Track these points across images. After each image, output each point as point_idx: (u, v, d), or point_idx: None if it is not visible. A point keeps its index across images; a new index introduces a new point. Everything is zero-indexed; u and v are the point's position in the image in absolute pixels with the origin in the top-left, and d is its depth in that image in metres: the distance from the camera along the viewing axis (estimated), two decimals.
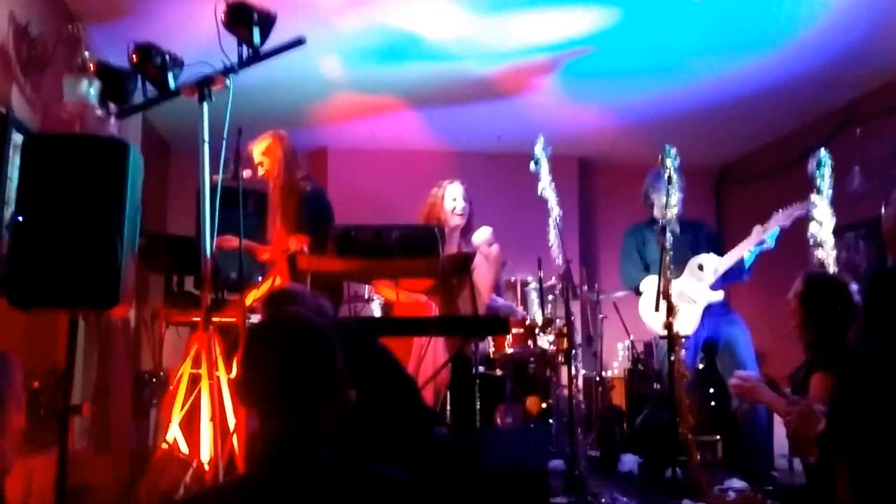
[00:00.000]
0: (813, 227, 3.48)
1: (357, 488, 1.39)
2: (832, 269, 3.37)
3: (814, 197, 3.49)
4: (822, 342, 2.71)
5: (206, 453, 2.74)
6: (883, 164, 4.87)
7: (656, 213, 4.12)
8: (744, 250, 4.01)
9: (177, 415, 2.86)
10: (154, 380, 3.77)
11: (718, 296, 4.13)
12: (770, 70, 4.83)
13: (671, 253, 4.01)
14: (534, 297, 4.70)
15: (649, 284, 4.18)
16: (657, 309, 3.36)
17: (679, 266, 4.11)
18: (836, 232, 3.63)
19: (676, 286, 4.06)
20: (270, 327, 1.54)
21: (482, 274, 4.07)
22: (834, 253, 3.41)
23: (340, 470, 1.42)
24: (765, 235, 3.94)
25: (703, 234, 4.34)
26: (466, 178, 4.42)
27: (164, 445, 2.81)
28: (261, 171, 3.99)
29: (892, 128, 4.85)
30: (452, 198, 4.18)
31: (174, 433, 2.85)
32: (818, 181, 3.49)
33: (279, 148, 4.00)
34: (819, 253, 3.43)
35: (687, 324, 4.07)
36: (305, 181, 4.03)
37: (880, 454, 1.84)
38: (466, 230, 4.21)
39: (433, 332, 3.15)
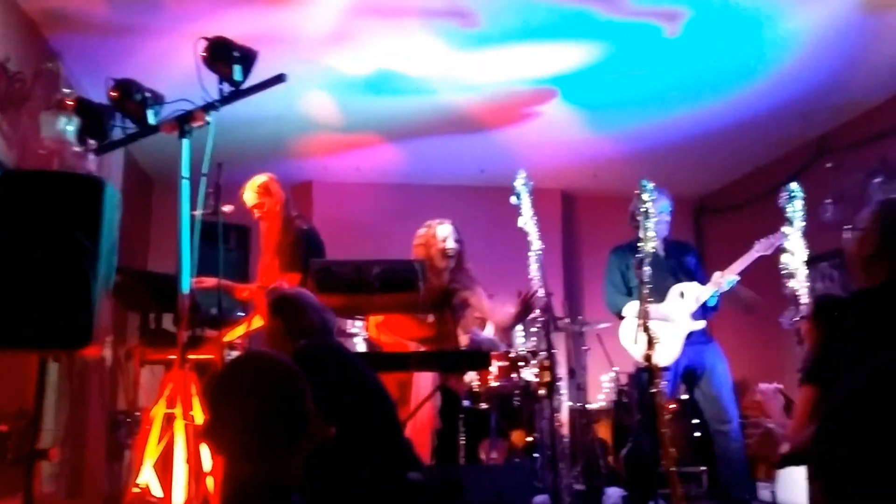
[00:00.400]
0: (785, 258, 3.51)
1: None
2: (805, 299, 3.40)
3: (786, 228, 3.53)
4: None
5: (179, 496, 2.68)
6: (855, 194, 4.94)
7: (641, 234, 4.16)
8: (712, 290, 4.08)
9: (150, 457, 2.80)
10: (129, 420, 3.69)
11: (700, 324, 4.15)
12: (745, 104, 4.92)
13: (652, 276, 4.06)
14: (517, 329, 4.69)
15: (631, 309, 4.19)
16: (636, 341, 3.36)
17: (662, 290, 4.14)
18: (811, 262, 3.66)
19: (658, 312, 4.08)
20: (238, 368, 1.52)
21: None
22: (807, 283, 3.44)
23: None
24: (722, 280, 4.03)
25: (686, 259, 4.37)
26: (451, 212, 4.42)
27: (136, 489, 2.74)
28: (257, 213, 4.00)
29: (864, 159, 4.93)
30: (443, 238, 4.16)
31: (147, 475, 2.79)
32: (790, 213, 3.54)
33: (278, 187, 4.03)
34: (792, 283, 3.45)
35: (668, 352, 4.06)
36: (300, 220, 4.06)
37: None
38: (458, 269, 4.18)
39: (413, 368, 3.13)
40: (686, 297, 4.17)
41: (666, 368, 3.97)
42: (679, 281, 4.22)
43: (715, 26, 3.98)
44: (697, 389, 4.24)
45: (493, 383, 4.36)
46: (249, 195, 4.01)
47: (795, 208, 3.59)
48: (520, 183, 3.87)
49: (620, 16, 3.88)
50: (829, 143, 5.40)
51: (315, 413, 1.42)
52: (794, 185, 3.62)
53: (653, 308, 4.08)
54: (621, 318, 4.34)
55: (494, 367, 3.98)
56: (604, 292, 4.50)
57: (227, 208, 3.44)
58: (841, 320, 2.16)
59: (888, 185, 4.70)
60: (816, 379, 2.10)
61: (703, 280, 4.21)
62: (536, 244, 3.79)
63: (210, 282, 3.29)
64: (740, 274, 4.10)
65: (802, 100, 4.88)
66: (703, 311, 4.20)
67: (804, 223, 3.58)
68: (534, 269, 3.77)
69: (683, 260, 4.35)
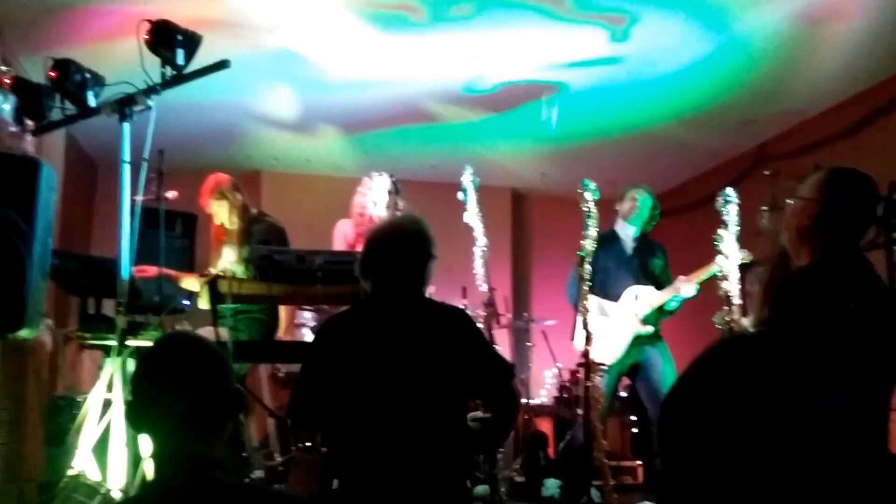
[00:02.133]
0: (719, 260, 3.63)
1: None
2: (736, 300, 3.52)
3: (721, 231, 3.65)
4: None
5: (117, 480, 2.67)
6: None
7: (616, 225, 4.25)
8: (669, 295, 4.14)
9: (87, 441, 2.78)
10: (70, 405, 3.63)
11: (647, 329, 4.19)
12: (689, 107, 5.05)
13: (615, 272, 4.14)
14: None
15: (603, 308, 4.28)
16: (571, 338, 3.44)
17: (620, 288, 4.20)
18: (746, 266, 3.79)
19: (608, 311, 4.16)
20: (163, 348, 1.53)
21: None
22: (738, 286, 3.57)
23: (236, 492, 1.42)
24: (681, 287, 4.09)
25: (652, 262, 4.41)
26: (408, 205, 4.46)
27: (72, 471, 2.72)
28: (228, 218, 3.98)
29: (800, 167, 5.10)
30: (381, 190, 4.21)
31: (84, 459, 2.76)
32: (725, 216, 3.65)
33: (231, 194, 4.01)
34: (724, 285, 3.57)
35: (612, 351, 4.15)
36: (263, 214, 4.12)
37: None
38: (394, 207, 4.24)
39: None
40: (639, 300, 4.21)
41: (603, 366, 4.05)
42: (639, 282, 4.27)
43: (659, 30, 4.09)
44: (641, 386, 4.33)
45: None
46: (209, 202, 4.01)
47: (730, 212, 3.71)
48: (467, 179, 3.92)
49: (569, 15, 3.95)
50: (768, 151, 5.58)
51: (237, 392, 1.45)
52: (729, 190, 3.75)
53: (604, 305, 4.19)
54: (577, 310, 4.39)
55: None
56: (567, 283, 4.54)
57: (170, 195, 3.42)
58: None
59: None
60: None
61: (667, 284, 4.26)
62: (481, 240, 3.84)
63: (152, 271, 3.26)
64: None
65: (744, 107, 5.04)
66: (659, 313, 4.25)
67: (738, 228, 3.70)
68: (478, 265, 3.83)
69: (649, 262, 4.39)
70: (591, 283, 4.30)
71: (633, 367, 4.27)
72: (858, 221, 2.13)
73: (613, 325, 4.17)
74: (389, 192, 4.21)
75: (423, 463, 2.12)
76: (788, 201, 2.19)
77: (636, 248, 4.36)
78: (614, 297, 4.20)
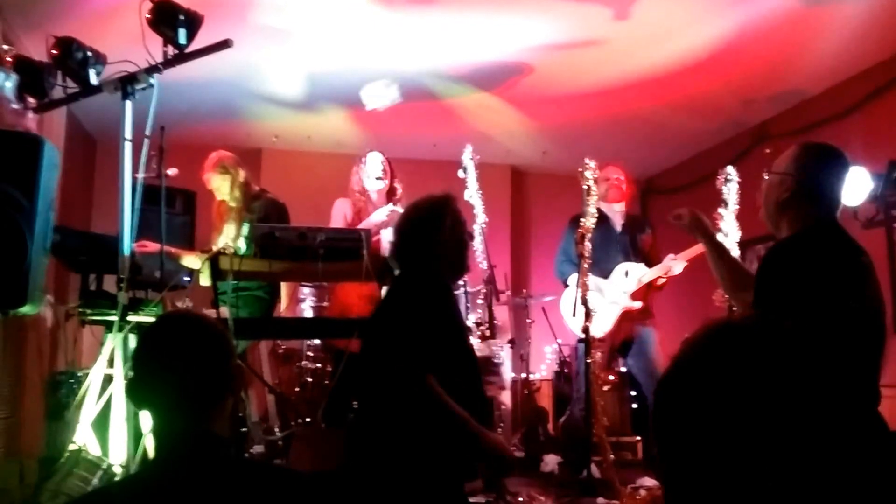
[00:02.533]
0: (719, 238, 3.65)
1: (262, 487, 1.39)
2: None
3: (721, 210, 3.66)
4: None
5: (118, 456, 2.70)
6: None
7: (601, 205, 4.28)
8: (659, 272, 4.18)
9: (88, 416, 2.81)
10: (69, 381, 3.67)
11: (636, 305, 4.26)
12: (691, 88, 5.03)
13: (603, 249, 4.17)
14: (461, 301, 4.77)
15: (574, 280, 4.30)
16: (574, 314, 3.47)
17: (610, 265, 4.24)
18: (748, 243, 3.82)
19: (598, 286, 4.19)
20: (163, 325, 1.55)
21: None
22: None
23: (238, 468, 1.44)
24: (672, 264, 4.14)
25: (641, 237, 4.45)
26: (403, 184, 4.48)
27: (73, 446, 2.75)
28: (229, 193, 3.99)
29: None
30: (374, 166, 4.25)
31: (85, 435, 2.80)
32: (726, 195, 3.67)
33: (234, 169, 4.02)
34: None
35: (601, 326, 4.19)
36: (263, 191, 4.14)
37: None
38: (392, 193, 4.29)
39: (357, 335, 3.17)
40: (629, 277, 4.27)
41: (601, 340, 4.10)
42: (629, 259, 4.31)
43: (660, 10, 4.06)
44: (634, 362, 4.39)
45: None
46: (212, 176, 4.02)
47: (731, 191, 3.73)
48: (467, 157, 3.94)
49: None
50: (769, 129, 5.57)
51: (237, 368, 1.46)
52: (730, 169, 3.76)
53: (594, 281, 4.23)
54: (566, 286, 4.44)
55: None
56: (555, 260, 4.58)
57: (171, 171, 3.42)
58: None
59: None
60: None
61: (652, 259, 4.31)
62: (481, 217, 3.88)
63: (153, 247, 3.27)
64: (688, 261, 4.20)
65: (744, 87, 5.02)
66: (648, 289, 4.30)
67: (738, 206, 3.72)
68: (477, 242, 3.85)
69: (638, 238, 4.43)
70: (579, 261, 4.36)
71: (625, 344, 4.32)
72: (835, 192, 2.15)
73: (603, 301, 4.21)
74: (384, 170, 4.24)
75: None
76: (765, 176, 2.22)
77: (625, 224, 4.40)
78: (605, 274, 4.24)
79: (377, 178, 4.24)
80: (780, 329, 0.88)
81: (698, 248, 3.99)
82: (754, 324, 0.90)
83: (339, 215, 4.26)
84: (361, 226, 3.92)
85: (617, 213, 4.39)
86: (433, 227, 2.31)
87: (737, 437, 0.82)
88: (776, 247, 2.17)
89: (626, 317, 4.27)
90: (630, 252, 4.36)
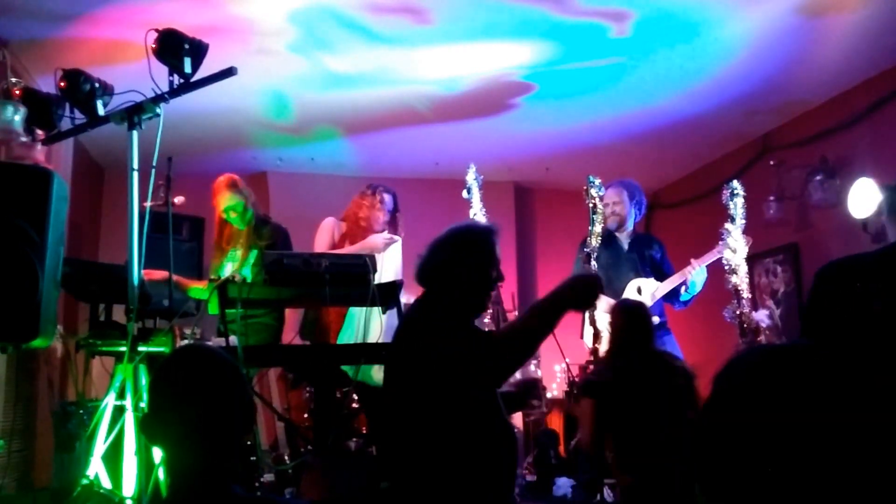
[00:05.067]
0: (727, 254, 3.64)
1: None
2: (745, 293, 3.53)
3: (728, 225, 3.66)
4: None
5: (130, 488, 2.69)
6: (797, 192, 5.12)
7: (609, 225, 4.27)
8: (676, 282, 4.15)
9: (99, 448, 2.80)
10: (80, 412, 3.67)
11: (654, 320, 4.21)
12: (691, 101, 5.05)
13: (613, 269, 4.15)
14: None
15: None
16: (581, 336, 3.46)
17: (622, 283, 4.23)
18: (754, 257, 3.81)
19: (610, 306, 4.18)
20: (178, 360, 1.54)
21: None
22: (746, 278, 3.58)
23: None
24: (687, 279, 4.10)
25: (649, 254, 4.43)
26: (406, 204, 4.50)
27: (85, 480, 2.74)
28: (241, 215, 4.01)
29: (805, 157, 5.12)
30: (390, 205, 4.28)
31: (96, 467, 2.79)
32: (732, 210, 3.66)
33: (247, 190, 4.05)
34: (733, 279, 3.58)
35: None
36: (268, 216, 4.17)
37: None
38: (394, 224, 4.31)
39: (361, 361, 3.17)
40: (643, 293, 4.24)
41: None
42: (639, 275, 4.30)
43: (662, 27, 4.09)
44: None
45: None
46: (226, 200, 4.03)
47: (737, 205, 3.73)
48: (471, 177, 3.94)
49: (570, 16, 3.95)
50: (773, 141, 5.58)
51: (251, 403, 1.46)
52: (735, 183, 3.76)
53: (607, 302, 4.21)
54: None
55: None
56: None
57: (178, 200, 3.44)
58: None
59: (827, 183, 4.88)
60: None
61: (671, 272, 4.29)
62: None
63: (158, 274, 3.28)
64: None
65: (746, 99, 5.03)
66: (673, 304, 4.27)
67: (745, 221, 3.72)
68: None
69: (647, 254, 4.41)
70: None
71: None
72: None
73: None
74: (398, 212, 4.26)
75: None
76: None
77: (632, 242, 4.40)
78: (617, 292, 4.23)
79: (388, 220, 4.26)
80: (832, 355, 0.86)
81: (714, 254, 3.98)
82: (807, 349, 0.89)
83: (326, 235, 4.25)
84: (355, 249, 3.93)
85: (623, 233, 4.39)
86: (470, 257, 2.28)
87: (792, 461, 0.81)
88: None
89: None
90: (639, 268, 4.34)
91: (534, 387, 2.46)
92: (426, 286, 2.31)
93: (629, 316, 3.10)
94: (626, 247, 4.38)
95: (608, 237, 4.27)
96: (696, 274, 4.06)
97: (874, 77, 4.65)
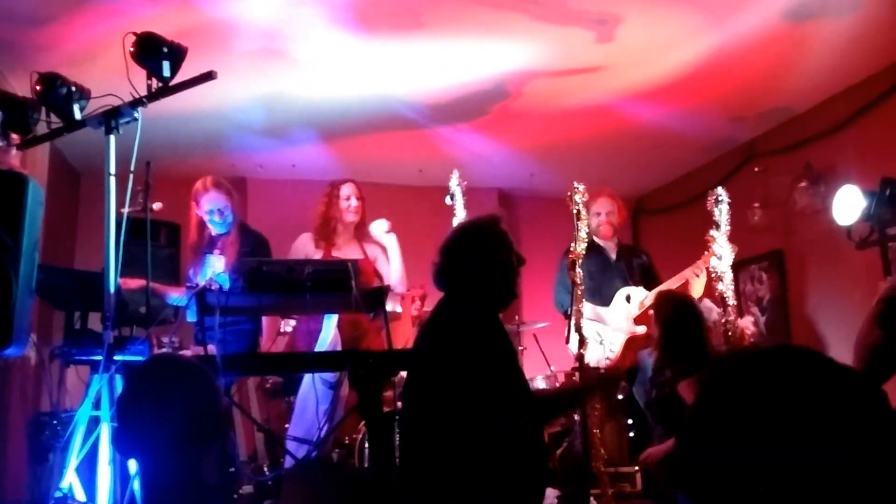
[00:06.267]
0: (713, 262, 3.62)
1: None
2: (731, 300, 3.51)
3: (713, 232, 3.64)
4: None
5: (104, 501, 2.62)
6: (782, 198, 5.13)
7: (603, 234, 4.24)
8: (678, 282, 4.11)
9: (74, 460, 2.73)
10: (55, 423, 3.58)
11: (641, 329, 4.18)
12: (677, 107, 5.04)
13: (601, 277, 4.12)
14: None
15: (598, 314, 4.25)
16: (567, 341, 3.42)
17: (609, 292, 4.19)
18: (740, 264, 3.79)
19: (599, 314, 4.15)
20: (149, 370, 1.50)
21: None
22: (732, 286, 3.56)
23: None
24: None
25: (637, 263, 4.40)
26: (389, 211, 4.44)
27: (59, 493, 2.67)
28: (225, 218, 3.92)
29: (790, 164, 5.12)
30: (346, 196, 4.18)
31: (70, 480, 2.72)
32: (717, 216, 3.65)
33: (234, 192, 3.98)
34: (719, 286, 3.56)
35: (607, 354, 4.14)
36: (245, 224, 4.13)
37: None
38: (361, 225, 4.22)
39: (348, 367, 3.11)
40: (632, 302, 4.20)
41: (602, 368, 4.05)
42: (628, 284, 4.26)
43: (645, 30, 4.07)
44: (639, 391, 4.30)
45: None
46: (214, 202, 3.93)
47: (722, 212, 3.71)
48: (454, 183, 3.90)
49: (554, 22, 3.93)
50: (758, 147, 5.59)
51: (225, 412, 1.42)
52: (720, 190, 3.74)
53: (595, 310, 4.18)
54: (567, 317, 4.38)
55: None
56: (553, 292, 4.53)
57: (156, 206, 3.38)
58: None
59: (812, 189, 4.89)
60: None
61: (652, 283, 4.25)
62: None
63: (135, 283, 3.21)
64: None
65: (730, 106, 5.04)
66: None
67: (729, 227, 3.70)
68: None
69: (635, 263, 4.37)
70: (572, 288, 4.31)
71: (631, 371, 4.25)
72: None
73: (607, 328, 4.16)
74: (362, 199, 4.20)
75: None
76: None
77: (619, 251, 4.36)
78: (606, 302, 4.20)
79: (352, 212, 4.21)
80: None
81: (695, 268, 3.95)
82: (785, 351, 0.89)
83: (300, 253, 4.17)
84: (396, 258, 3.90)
85: (610, 243, 4.36)
86: (479, 250, 2.24)
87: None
88: None
89: (631, 344, 4.19)
90: (628, 277, 4.30)
91: (578, 396, 2.40)
92: (447, 289, 2.28)
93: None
94: (613, 256, 4.35)
95: (593, 245, 4.23)
96: (694, 285, 3.99)
97: (858, 83, 4.68)
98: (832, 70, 4.54)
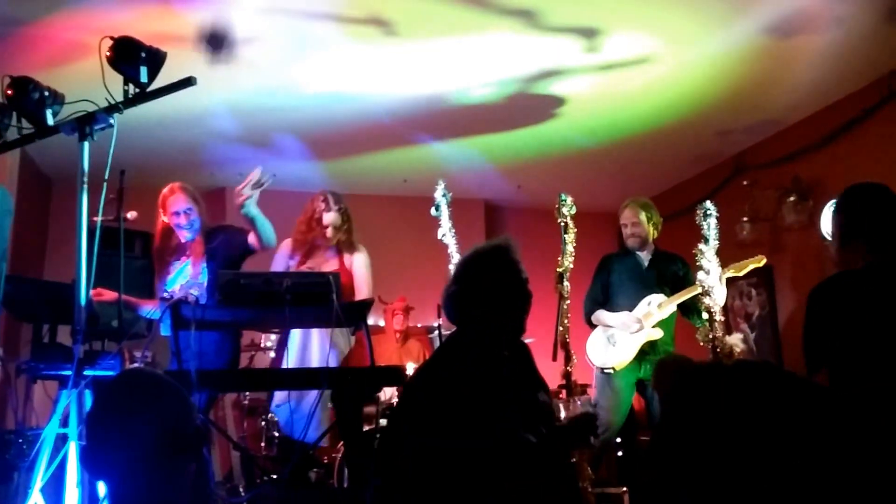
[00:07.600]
0: (700, 276, 3.56)
1: None
2: (718, 316, 3.45)
3: (701, 245, 3.58)
4: None
5: None
6: (770, 213, 5.11)
7: (631, 246, 4.19)
8: (679, 300, 4.03)
9: (39, 480, 2.60)
10: (21, 441, 3.45)
11: (657, 333, 4.07)
12: (665, 121, 5.02)
13: (632, 284, 4.06)
14: (438, 343, 4.64)
15: (598, 318, 4.21)
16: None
17: (641, 296, 4.11)
18: (729, 280, 3.73)
19: (616, 319, 4.09)
20: (118, 386, 1.40)
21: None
22: (720, 301, 3.50)
23: None
24: (681, 298, 4.00)
25: (671, 271, 4.29)
26: (373, 222, 4.37)
27: None
28: (191, 222, 3.79)
29: (778, 177, 5.10)
30: (326, 207, 4.11)
31: (36, 500, 2.59)
32: (705, 230, 3.59)
33: (201, 201, 3.86)
34: (706, 300, 3.50)
35: (623, 354, 4.05)
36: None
37: None
38: (343, 235, 4.11)
39: (326, 385, 3.00)
40: (651, 307, 4.12)
41: (613, 369, 4.01)
42: (656, 292, 4.16)
43: (633, 43, 4.04)
44: (647, 404, 4.22)
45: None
46: (180, 203, 3.79)
47: (710, 226, 3.64)
48: (439, 194, 3.83)
49: (541, 32, 3.88)
50: (746, 161, 5.57)
51: (199, 430, 1.33)
52: (708, 204, 3.68)
53: (614, 317, 4.10)
54: (592, 326, 4.30)
55: None
56: (584, 304, 4.41)
57: (130, 215, 3.28)
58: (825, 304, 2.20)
59: (800, 205, 4.86)
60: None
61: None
62: (456, 257, 3.76)
63: (109, 295, 3.09)
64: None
65: (718, 119, 5.02)
66: (686, 317, 4.16)
67: (717, 242, 3.63)
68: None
69: (669, 270, 4.27)
70: (603, 298, 4.24)
71: (641, 384, 4.14)
72: None
73: (625, 332, 4.08)
74: (342, 209, 4.12)
75: None
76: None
77: (652, 259, 4.27)
78: (630, 307, 4.12)
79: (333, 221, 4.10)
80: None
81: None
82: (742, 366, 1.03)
83: (281, 264, 4.07)
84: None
85: (643, 252, 4.28)
86: (491, 279, 2.15)
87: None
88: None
89: (644, 357, 4.08)
90: (656, 286, 4.20)
91: (591, 423, 2.29)
92: (460, 322, 2.19)
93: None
94: (645, 263, 4.26)
95: (626, 252, 4.22)
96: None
97: (846, 97, 4.68)
98: (818, 85, 4.54)
